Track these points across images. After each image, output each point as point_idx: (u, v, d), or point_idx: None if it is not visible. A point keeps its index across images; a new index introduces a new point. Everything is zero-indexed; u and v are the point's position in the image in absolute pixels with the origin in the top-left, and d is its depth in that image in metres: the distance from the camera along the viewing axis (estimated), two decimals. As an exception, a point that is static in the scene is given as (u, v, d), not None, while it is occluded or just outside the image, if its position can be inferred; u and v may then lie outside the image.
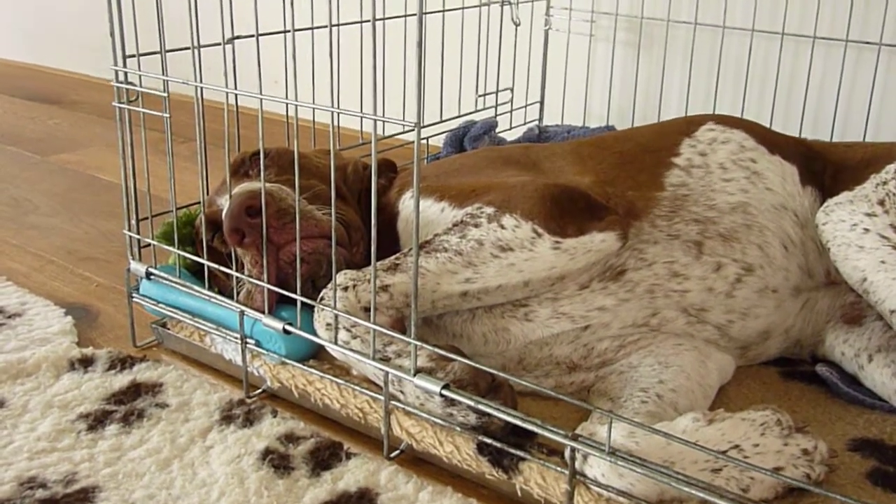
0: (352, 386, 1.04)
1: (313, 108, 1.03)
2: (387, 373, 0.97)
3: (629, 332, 1.10)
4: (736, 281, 1.11)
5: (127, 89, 1.15)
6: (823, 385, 1.13)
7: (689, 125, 1.25)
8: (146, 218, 1.23)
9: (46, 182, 2.01)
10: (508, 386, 0.95)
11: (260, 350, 1.11)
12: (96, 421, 1.07)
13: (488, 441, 0.94)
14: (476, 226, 1.04)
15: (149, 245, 1.22)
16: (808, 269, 1.17)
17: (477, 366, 0.92)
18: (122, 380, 1.16)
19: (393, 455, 1.02)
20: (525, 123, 2.03)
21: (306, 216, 1.07)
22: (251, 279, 1.08)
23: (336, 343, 0.99)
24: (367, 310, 0.98)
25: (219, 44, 1.07)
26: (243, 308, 1.10)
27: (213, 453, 1.01)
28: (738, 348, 1.14)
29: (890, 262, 1.03)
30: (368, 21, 0.95)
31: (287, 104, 1.02)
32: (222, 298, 1.13)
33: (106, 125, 2.47)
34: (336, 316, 0.99)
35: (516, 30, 1.94)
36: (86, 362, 1.19)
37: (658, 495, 0.85)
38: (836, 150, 1.27)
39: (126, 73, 1.14)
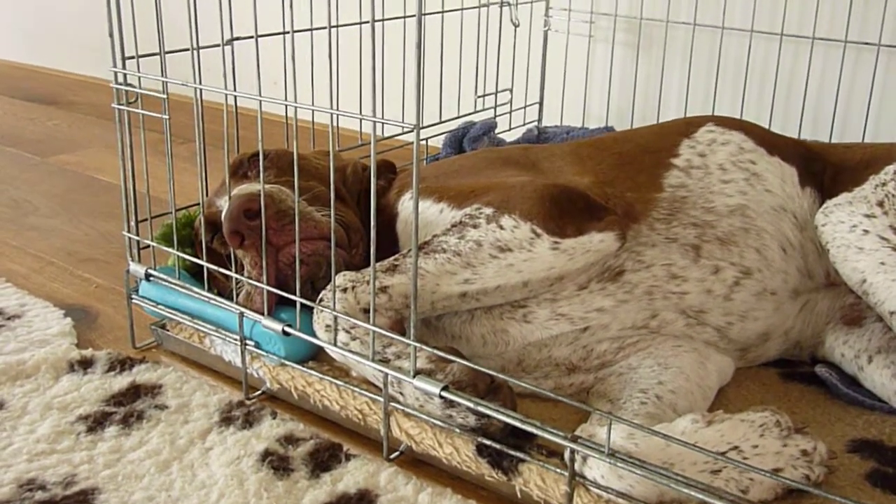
0: (351, 387, 1.04)
1: (312, 110, 1.03)
2: (386, 374, 0.97)
3: (628, 334, 1.10)
4: (734, 284, 1.11)
5: (126, 91, 1.15)
6: (823, 386, 1.13)
7: (688, 126, 1.25)
8: (145, 219, 1.23)
9: (46, 183, 2.01)
10: (508, 387, 0.95)
11: (259, 351, 1.11)
12: (96, 423, 1.07)
13: (488, 442, 0.93)
14: (475, 226, 1.03)
15: (148, 246, 1.21)
16: (808, 270, 1.17)
17: (476, 367, 0.92)
18: (121, 381, 1.15)
19: (392, 456, 1.02)
20: (524, 124, 2.03)
21: (305, 218, 1.07)
22: (250, 281, 1.08)
23: (335, 344, 0.99)
24: (366, 311, 0.98)
25: (218, 45, 1.07)
26: (243, 309, 1.10)
27: (213, 455, 1.01)
28: (738, 350, 1.14)
29: (889, 264, 1.03)
30: (368, 22, 0.95)
31: (286, 105, 1.02)
32: (222, 300, 1.13)
33: (105, 126, 2.47)
34: (335, 317, 0.98)
35: (515, 31, 1.93)
36: (85, 364, 1.19)
37: (657, 497, 0.85)
38: (835, 152, 1.26)
39: (125, 75, 1.14)
